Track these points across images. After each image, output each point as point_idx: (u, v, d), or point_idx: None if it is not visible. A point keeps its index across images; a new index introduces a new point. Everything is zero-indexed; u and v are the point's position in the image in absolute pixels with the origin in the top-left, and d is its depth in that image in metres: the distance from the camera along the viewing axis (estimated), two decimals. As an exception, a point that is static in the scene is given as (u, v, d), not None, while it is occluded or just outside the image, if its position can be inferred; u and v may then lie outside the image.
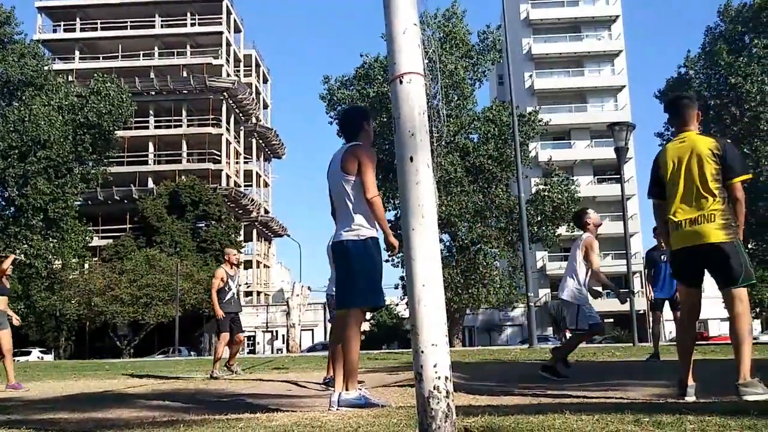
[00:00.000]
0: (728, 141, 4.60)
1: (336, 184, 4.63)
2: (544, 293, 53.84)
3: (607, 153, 45.53)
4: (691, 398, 4.29)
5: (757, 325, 46.66)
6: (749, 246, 34.77)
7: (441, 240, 33.07)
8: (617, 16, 58.68)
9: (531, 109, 38.61)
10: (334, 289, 5.89)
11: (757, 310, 40.63)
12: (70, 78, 48.64)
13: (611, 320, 51.75)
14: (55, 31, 60.75)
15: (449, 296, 32.55)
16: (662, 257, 9.29)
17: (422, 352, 2.42)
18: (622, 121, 19.17)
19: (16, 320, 9.11)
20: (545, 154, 48.80)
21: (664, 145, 4.90)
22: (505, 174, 34.78)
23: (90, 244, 42.29)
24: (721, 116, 36.59)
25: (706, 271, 4.44)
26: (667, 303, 9.63)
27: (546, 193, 34.47)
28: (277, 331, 55.32)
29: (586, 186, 51.98)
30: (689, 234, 4.38)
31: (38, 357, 38.03)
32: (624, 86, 57.74)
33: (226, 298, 9.81)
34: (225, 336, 9.82)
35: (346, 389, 4.38)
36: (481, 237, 34.07)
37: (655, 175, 4.69)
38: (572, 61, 58.78)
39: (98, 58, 58.50)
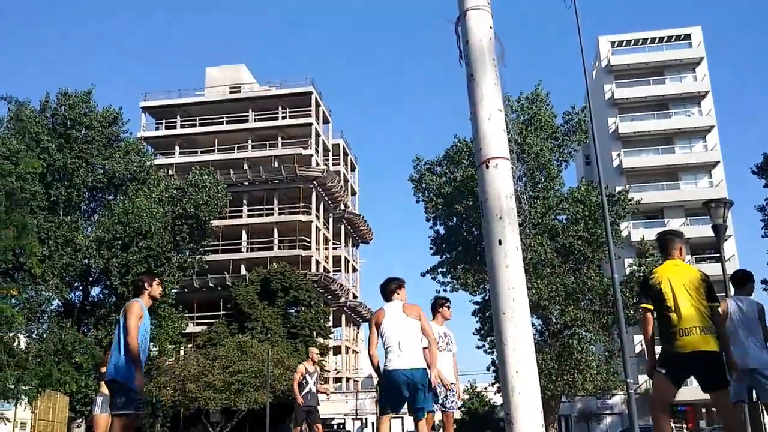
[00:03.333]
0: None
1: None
2: (644, 379, 51.23)
3: (704, 231, 43.84)
4: None
5: None
6: None
7: (533, 324, 32.20)
8: (707, 92, 57.56)
9: (620, 188, 37.88)
10: None
11: None
12: (170, 172, 51.33)
13: (719, 408, 48.58)
14: (157, 128, 64.66)
15: (543, 383, 31.40)
16: None
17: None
18: (718, 198, 18.51)
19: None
20: (638, 233, 47.45)
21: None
22: (597, 255, 33.91)
23: (185, 331, 43.43)
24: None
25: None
26: None
27: (640, 274, 33.32)
28: (366, 419, 54.60)
29: (683, 266, 49.93)
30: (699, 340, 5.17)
31: (135, 443, 38.66)
32: (718, 162, 55.97)
33: (303, 392, 11.16)
34: (297, 429, 11.36)
35: None
36: (574, 320, 33.02)
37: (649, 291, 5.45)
38: (661, 139, 57.68)
39: (196, 152, 61.69)
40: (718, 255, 18.51)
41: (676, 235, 5.76)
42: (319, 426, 11.25)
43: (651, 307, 5.37)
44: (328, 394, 12.14)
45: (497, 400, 50.65)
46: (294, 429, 11.50)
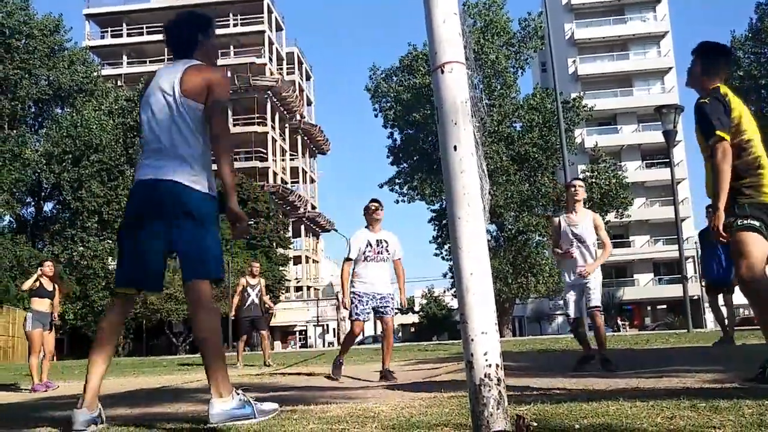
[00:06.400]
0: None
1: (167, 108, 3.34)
2: (595, 281, 53.02)
3: (656, 137, 44.63)
4: None
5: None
6: None
7: (488, 230, 32.91)
8: (662, -3, 57.32)
9: (575, 95, 38.07)
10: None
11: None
12: (118, 83, 49.71)
13: (664, 306, 50.80)
14: (102, 37, 62.15)
15: (498, 286, 32.36)
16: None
17: (472, 340, 2.43)
18: (669, 104, 18.77)
19: (57, 320, 9.53)
20: (591, 140, 48.08)
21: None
22: (551, 162, 34.39)
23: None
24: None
25: None
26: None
27: (593, 180, 33.98)
28: (327, 325, 55.85)
29: (634, 171, 51.01)
30: None
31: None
32: (671, 68, 56.37)
33: (246, 304, 11.81)
34: (243, 337, 12.21)
35: (220, 396, 3.13)
36: (528, 226, 33.76)
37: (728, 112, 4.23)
38: (617, 45, 57.65)
39: (145, 62, 59.67)
40: (668, 160, 18.90)
41: (726, 53, 4.64)
42: (264, 333, 11.90)
43: (728, 137, 4.13)
44: (272, 311, 12.65)
45: (454, 304, 52.14)
46: (240, 338, 12.17)
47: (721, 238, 4.06)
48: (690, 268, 42.29)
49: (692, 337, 12.50)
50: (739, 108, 4.25)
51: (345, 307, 7.11)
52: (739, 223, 4.02)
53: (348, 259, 7.11)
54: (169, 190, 3.27)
